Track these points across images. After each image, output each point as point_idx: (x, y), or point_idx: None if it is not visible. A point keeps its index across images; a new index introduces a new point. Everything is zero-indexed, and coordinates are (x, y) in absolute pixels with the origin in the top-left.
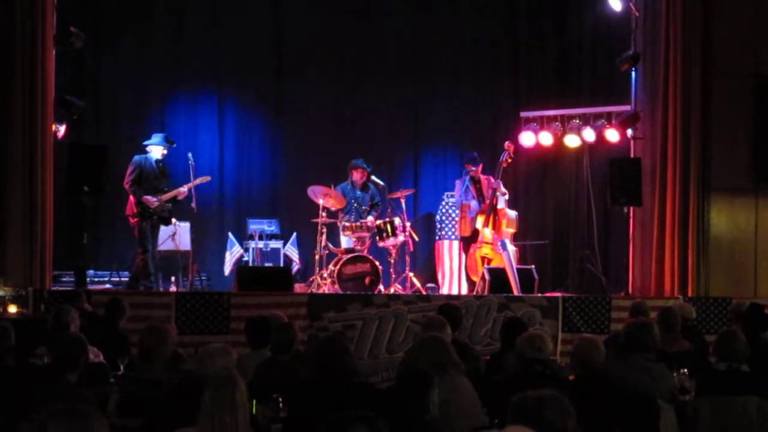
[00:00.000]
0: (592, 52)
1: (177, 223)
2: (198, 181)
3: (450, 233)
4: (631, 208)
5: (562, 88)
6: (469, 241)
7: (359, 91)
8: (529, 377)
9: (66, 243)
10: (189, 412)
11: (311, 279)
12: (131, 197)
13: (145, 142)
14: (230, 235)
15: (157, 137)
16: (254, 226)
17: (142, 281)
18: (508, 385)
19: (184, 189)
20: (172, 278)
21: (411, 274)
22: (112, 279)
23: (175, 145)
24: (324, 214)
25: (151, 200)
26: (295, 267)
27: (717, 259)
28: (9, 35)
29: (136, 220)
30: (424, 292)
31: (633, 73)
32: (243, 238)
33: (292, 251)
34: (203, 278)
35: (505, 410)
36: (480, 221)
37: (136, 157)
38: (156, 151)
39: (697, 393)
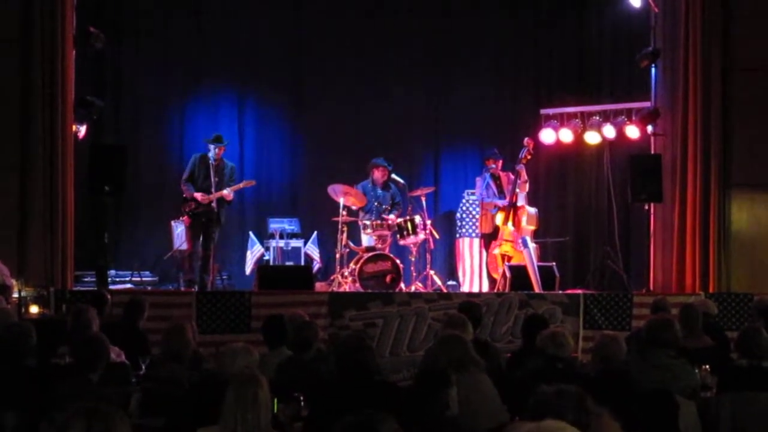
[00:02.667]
0: (611, 49)
1: None
2: (242, 184)
3: (470, 231)
4: (652, 205)
5: (582, 85)
6: (490, 238)
7: (379, 88)
8: (549, 374)
9: (87, 243)
10: (211, 412)
11: (332, 277)
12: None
13: (205, 140)
14: (251, 234)
15: (212, 136)
16: (275, 225)
17: (185, 278)
18: (529, 382)
19: (227, 191)
20: None
21: (432, 272)
22: (133, 279)
23: (227, 143)
24: (344, 212)
25: (201, 198)
26: (316, 266)
27: (738, 254)
28: (29, 36)
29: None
30: (444, 290)
31: (653, 70)
32: (264, 237)
33: (312, 250)
34: (224, 277)
35: (526, 407)
36: (500, 218)
37: (195, 155)
38: (211, 149)
39: (718, 389)
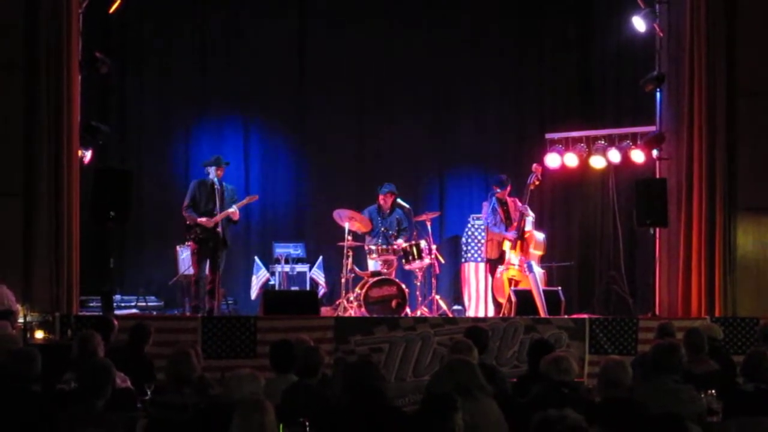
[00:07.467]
0: (616, 73)
1: None
2: (246, 200)
3: (476, 255)
4: (657, 229)
5: (587, 110)
6: (495, 263)
7: (384, 114)
8: (555, 399)
9: (92, 268)
10: None
11: (337, 302)
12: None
13: (203, 164)
14: (256, 259)
15: (211, 158)
16: (280, 249)
17: (190, 304)
18: (534, 408)
19: (234, 209)
20: None
21: (437, 297)
22: (138, 304)
23: (227, 163)
24: (350, 237)
25: (205, 222)
26: (322, 290)
27: (744, 279)
28: (35, 61)
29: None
30: (450, 315)
31: (658, 94)
32: (269, 261)
33: (318, 275)
34: (230, 302)
35: None
36: (507, 243)
37: (194, 181)
38: (210, 172)
39: (724, 414)
